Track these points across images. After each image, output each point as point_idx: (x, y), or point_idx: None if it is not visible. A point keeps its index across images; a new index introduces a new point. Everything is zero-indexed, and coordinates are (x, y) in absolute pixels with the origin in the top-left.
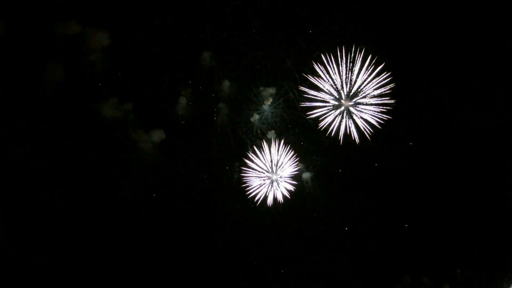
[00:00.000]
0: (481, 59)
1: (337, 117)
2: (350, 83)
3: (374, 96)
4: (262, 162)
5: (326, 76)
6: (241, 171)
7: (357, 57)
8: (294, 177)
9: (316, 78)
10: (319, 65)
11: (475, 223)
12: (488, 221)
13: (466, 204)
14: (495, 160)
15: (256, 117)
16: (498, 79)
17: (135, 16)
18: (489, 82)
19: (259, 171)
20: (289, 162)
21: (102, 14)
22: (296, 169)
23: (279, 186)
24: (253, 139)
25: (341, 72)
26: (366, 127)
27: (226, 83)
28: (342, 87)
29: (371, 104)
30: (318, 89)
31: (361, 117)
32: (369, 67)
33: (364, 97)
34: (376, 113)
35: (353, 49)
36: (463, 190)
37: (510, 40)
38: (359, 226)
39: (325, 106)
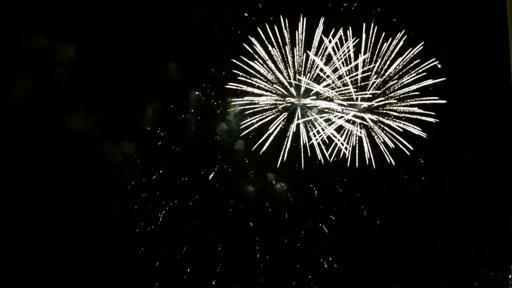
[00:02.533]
0: None
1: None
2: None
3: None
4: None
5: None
6: None
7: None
8: None
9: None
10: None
11: (463, 232)
12: (476, 230)
13: (454, 213)
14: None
15: (223, 127)
16: None
17: (101, 28)
18: None
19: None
20: None
21: (68, 27)
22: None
23: None
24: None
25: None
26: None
27: (193, 94)
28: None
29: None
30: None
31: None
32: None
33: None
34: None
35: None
36: (450, 198)
37: None
38: (343, 234)
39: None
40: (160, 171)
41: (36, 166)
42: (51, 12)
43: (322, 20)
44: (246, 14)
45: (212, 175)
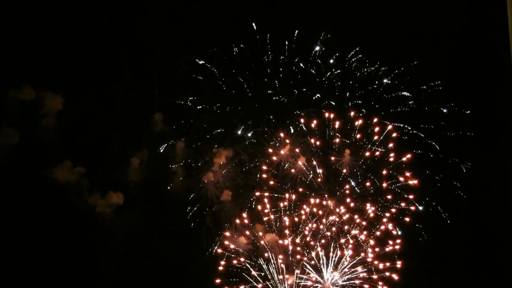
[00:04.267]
0: None
1: None
2: None
3: None
4: None
5: None
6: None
7: None
8: None
9: None
10: None
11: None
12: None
13: None
14: None
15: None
16: None
17: (88, 80)
18: None
19: None
20: None
21: (55, 79)
22: None
23: None
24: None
25: None
26: None
27: (180, 146)
28: None
29: None
30: None
31: None
32: None
33: None
34: None
35: None
36: None
37: None
38: None
39: None
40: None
41: (23, 219)
42: (38, 63)
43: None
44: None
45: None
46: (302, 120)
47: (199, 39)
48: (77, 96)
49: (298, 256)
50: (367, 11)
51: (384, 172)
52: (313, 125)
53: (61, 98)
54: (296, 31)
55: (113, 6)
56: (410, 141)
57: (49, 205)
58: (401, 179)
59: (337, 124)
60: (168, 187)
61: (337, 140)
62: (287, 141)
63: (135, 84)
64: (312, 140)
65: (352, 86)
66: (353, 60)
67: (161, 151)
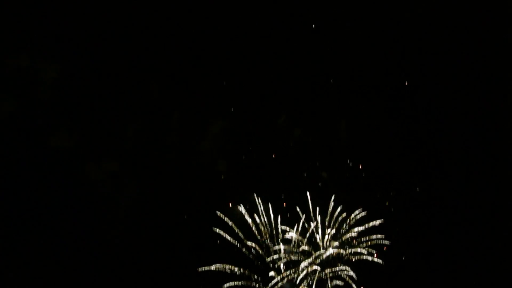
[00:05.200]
0: None
1: None
2: None
3: None
4: None
5: None
6: None
7: None
8: None
9: None
10: None
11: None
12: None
13: None
14: None
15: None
16: None
17: (85, 48)
18: None
19: None
20: None
21: (52, 47)
22: None
23: None
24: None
25: None
26: None
27: (176, 114)
28: None
29: None
30: None
31: None
32: None
33: None
34: None
35: None
36: None
37: None
38: None
39: None
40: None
41: (19, 185)
42: (35, 31)
43: None
44: None
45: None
46: None
47: None
48: (74, 63)
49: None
50: None
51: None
52: None
53: (57, 66)
54: None
55: None
56: None
57: (45, 173)
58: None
59: None
60: (165, 156)
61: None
62: None
63: (132, 51)
64: None
65: None
66: None
67: (159, 118)
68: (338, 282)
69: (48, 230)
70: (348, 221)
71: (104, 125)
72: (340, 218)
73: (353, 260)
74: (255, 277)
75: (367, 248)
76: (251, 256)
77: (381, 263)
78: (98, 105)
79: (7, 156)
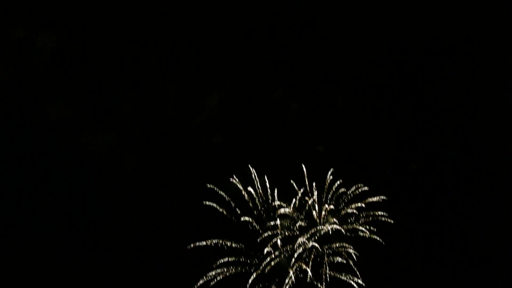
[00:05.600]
0: None
1: None
2: None
3: None
4: None
5: None
6: None
7: None
8: None
9: None
10: None
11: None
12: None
13: None
14: None
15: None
16: None
17: (83, 19)
18: None
19: None
20: None
21: (48, 18)
22: None
23: None
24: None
25: None
26: None
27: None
28: None
29: None
30: None
31: None
32: None
33: None
34: None
35: None
36: None
37: None
38: None
39: None
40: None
41: (15, 154)
42: (32, 2)
43: None
44: None
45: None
46: None
47: None
48: (71, 34)
49: None
50: None
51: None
52: None
53: (54, 36)
54: None
55: None
56: None
57: (40, 143)
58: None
59: None
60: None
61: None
62: None
63: (130, 24)
64: None
65: None
66: None
67: (156, 91)
68: (336, 259)
69: (44, 200)
70: (347, 195)
71: (101, 97)
72: (338, 193)
73: (352, 236)
74: (251, 253)
75: (367, 225)
76: (247, 232)
77: (381, 241)
78: (96, 77)
79: (4, 125)
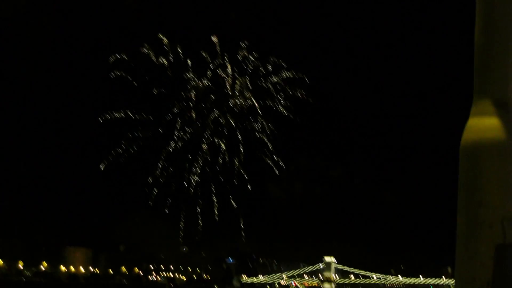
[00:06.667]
0: None
1: None
2: None
3: None
4: None
5: None
6: None
7: None
8: None
9: None
10: None
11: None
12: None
13: None
14: None
15: None
16: None
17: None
18: None
19: None
20: None
21: None
22: None
23: None
24: None
25: None
26: None
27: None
28: None
29: None
30: None
31: None
32: None
33: None
34: None
35: None
36: None
37: None
38: None
39: None
40: None
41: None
42: None
43: None
44: None
45: None
46: None
47: None
48: None
49: None
50: None
51: None
52: None
53: None
54: None
55: None
56: None
57: None
58: None
59: None
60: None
61: None
62: None
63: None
64: None
65: None
66: None
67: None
68: (249, 134)
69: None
70: (262, 70)
71: None
72: (252, 67)
73: (267, 113)
74: (165, 126)
75: (284, 101)
76: (159, 104)
77: (297, 119)
78: None
79: None
